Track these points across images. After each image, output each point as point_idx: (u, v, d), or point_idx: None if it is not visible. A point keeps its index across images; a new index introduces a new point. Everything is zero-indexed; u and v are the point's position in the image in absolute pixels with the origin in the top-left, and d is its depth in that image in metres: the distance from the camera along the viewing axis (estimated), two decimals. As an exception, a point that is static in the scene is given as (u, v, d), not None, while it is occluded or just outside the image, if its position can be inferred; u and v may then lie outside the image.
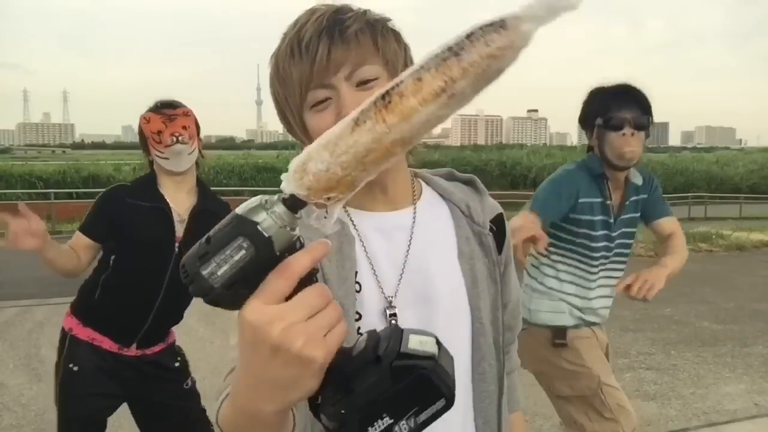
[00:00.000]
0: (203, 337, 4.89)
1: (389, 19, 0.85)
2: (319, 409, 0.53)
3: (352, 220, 0.87)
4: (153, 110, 2.05)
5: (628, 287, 1.92)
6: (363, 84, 0.80)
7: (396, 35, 0.85)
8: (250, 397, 0.54)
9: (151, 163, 2.10)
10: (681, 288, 7.28)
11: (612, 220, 2.12)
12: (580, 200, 2.09)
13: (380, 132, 0.51)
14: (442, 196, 0.95)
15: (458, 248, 0.90)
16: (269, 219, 0.49)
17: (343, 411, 0.51)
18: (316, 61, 0.77)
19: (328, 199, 0.52)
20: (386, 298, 0.84)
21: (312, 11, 0.81)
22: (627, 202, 2.15)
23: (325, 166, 0.51)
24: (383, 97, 0.51)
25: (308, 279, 0.51)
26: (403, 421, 0.50)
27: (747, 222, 14.99)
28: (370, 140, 0.51)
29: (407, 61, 0.85)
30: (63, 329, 2.11)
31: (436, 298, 0.86)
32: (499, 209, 0.99)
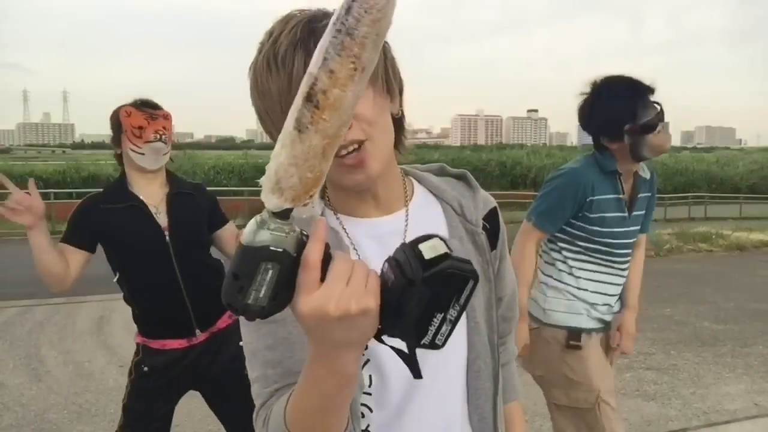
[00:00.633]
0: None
1: None
2: (382, 335, 0.63)
3: (345, 229, 0.87)
4: (134, 106, 2.05)
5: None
6: None
7: None
8: (331, 364, 0.63)
9: (120, 156, 2.10)
10: (681, 288, 7.29)
11: (627, 215, 2.08)
12: (594, 198, 2.02)
13: (324, 128, 0.55)
14: (434, 194, 0.94)
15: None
16: (273, 236, 0.56)
17: (403, 333, 0.61)
18: (293, 75, 0.75)
19: (310, 197, 0.58)
20: None
21: (286, 20, 0.79)
22: (639, 196, 2.12)
23: (296, 178, 0.56)
24: (309, 99, 0.55)
25: (328, 255, 0.59)
26: (450, 310, 0.60)
27: (747, 222, 14.99)
28: (320, 138, 0.55)
29: (387, 63, 0.83)
30: (136, 344, 2.17)
31: None
32: (492, 203, 0.98)
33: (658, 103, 2.00)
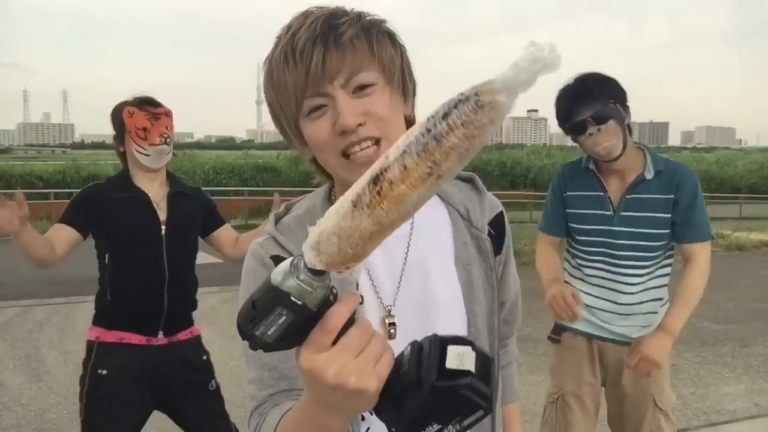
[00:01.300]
0: (205, 339, 4.88)
1: (384, 21, 0.84)
2: (376, 415, 0.61)
3: None
4: (135, 105, 2.07)
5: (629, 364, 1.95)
6: (359, 90, 0.79)
7: (392, 38, 0.84)
8: (319, 415, 0.62)
9: (123, 154, 2.12)
10: (681, 288, 7.25)
11: (612, 213, 2.00)
12: (568, 193, 2.07)
13: (379, 215, 0.52)
14: (440, 197, 0.94)
15: (455, 254, 0.90)
16: (300, 287, 0.55)
17: (395, 423, 0.59)
18: (311, 69, 0.76)
19: (347, 268, 0.56)
20: (384, 307, 0.85)
21: (305, 15, 0.79)
22: (629, 197, 1.98)
23: (335, 248, 0.54)
24: (375, 181, 0.52)
25: (350, 321, 0.57)
26: (450, 426, 0.57)
27: (747, 222, 15.00)
28: (371, 223, 0.53)
29: (403, 65, 0.84)
30: (88, 343, 2.10)
31: (435, 305, 0.86)
32: (499, 207, 0.98)
33: (612, 99, 1.91)
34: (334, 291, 0.58)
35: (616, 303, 2.03)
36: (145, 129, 2.03)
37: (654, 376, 2.01)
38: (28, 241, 1.84)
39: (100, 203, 2.06)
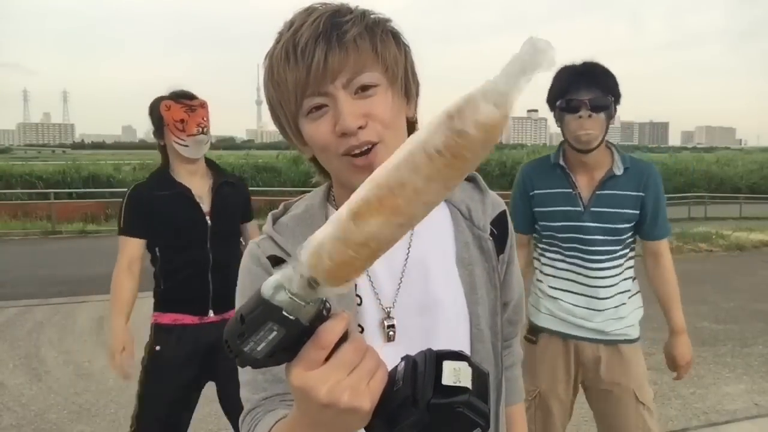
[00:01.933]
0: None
1: (389, 20, 0.82)
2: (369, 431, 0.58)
3: None
4: (172, 99, 2.17)
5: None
6: (361, 91, 0.77)
7: (396, 38, 0.82)
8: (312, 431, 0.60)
9: (163, 147, 2.22)
10: (681, 288, 7.24)
11: (581, 209, 1.99)
12: (536, 192, 2.06)
13: (377, 229, 0.50)
14: None
15: (457, 254, 0.88)
16: (292, 302, 0.52)
17: None
18: (312, 67, 0.74)
19: (346, 281, 0.53)
20: (384, 309, 0.84)
21: (309, 11, 0.77)
22: (599, 192, 1.98)
23: (331, 262, 0.51)
24: (373, 193, 0.50)
25: (343, 337, 0.55)
26: None
27: (747, 222, 14.98)
28: (369, 237, 0.50)
29: (407, 66, 0.83)
30: (151, 326, 2.27)
31: (436, 306, 0.85)
32: (501, 206, 0.96)
33: (610, 94, 1.93)
34: (327, 305, 0.55)
35: (590, 297, 2.03)
36: (182, 121, 2.14)
37: (633, 372, 2.04)
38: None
39: (148, 205, 2.18)
